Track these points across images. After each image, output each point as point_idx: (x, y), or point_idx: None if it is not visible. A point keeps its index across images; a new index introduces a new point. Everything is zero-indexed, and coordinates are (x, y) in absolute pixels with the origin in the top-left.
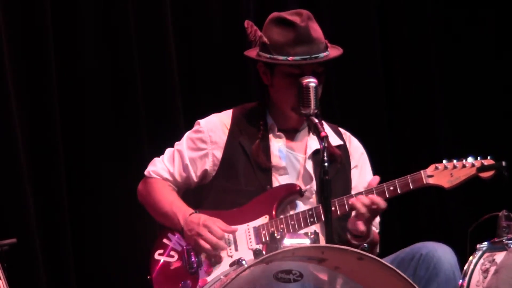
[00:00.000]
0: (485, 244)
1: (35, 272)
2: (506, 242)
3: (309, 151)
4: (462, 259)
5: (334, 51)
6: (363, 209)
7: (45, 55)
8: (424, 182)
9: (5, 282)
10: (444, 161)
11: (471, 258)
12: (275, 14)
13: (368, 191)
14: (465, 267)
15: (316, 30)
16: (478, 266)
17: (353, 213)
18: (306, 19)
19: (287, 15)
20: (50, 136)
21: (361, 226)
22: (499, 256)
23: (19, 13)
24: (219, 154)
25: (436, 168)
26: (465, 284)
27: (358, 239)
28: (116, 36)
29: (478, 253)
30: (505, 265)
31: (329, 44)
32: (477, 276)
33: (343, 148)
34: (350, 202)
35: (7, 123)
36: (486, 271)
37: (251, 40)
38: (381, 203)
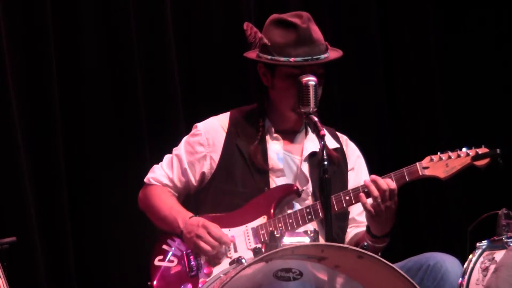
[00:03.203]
0: (484, 242)
1: (35, 271)
2: (505, 240)
3: (305, 153)
4: (462, 258)
5: (334, 53)
6: (376, 192)
7: (46, 56)
8: (420, 173)
9: (5, 281)
10: (439, 153)
11: (470, 256)
12: (275, 15)
13: (364, 186)
14: (465, 266)
15: (316, 32)
16: (478, 265)
17: (364, 214)
18: (306, 20)
19: (288, 16)
20: (50, 136)
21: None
22: (499, 255)
23: (19, 14)
24: (216, 156)
25: (431, 159)
26: (464, 283)
27: (379, 240)
28: (116, 36)
29: (478, 252)
30: (504, 264)
31: (329, 46)
32: (476, 274)
33: (340, 151)
34: (364, 183)
35: (7, 123)
36: (485, 269)
37: (251, 41)
38: (392, 184)
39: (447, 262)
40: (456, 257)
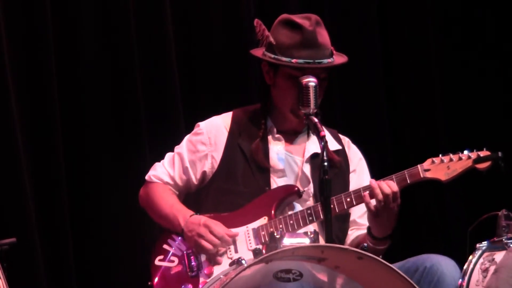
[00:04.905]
0: (484, 243)
1: (35, 272)
2: (505, 241)
3: (307, 154)
4: (462, 259)
5: (338, 59)
6: (380, 196)
7: (45, 56)
8: (421, 176)
9: (5, 282)
10: (441, 155)
11: (470, 257)
12: (284, 16)
13: (365, 188)
14: (465, 267)
15: (323, 36)
16: (478, 266)
17: (366, 215)
18: (314, 23)
19: (296, 18)
20: (50, 136)
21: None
22: (499, 256)
23: (19, 14)
24: (218, 156)
25: (433, 162)
26: (464, 284)
27: (380, 242)
28: (116, 37)
29: (478, 253)
30: (504, 265)
31: (334, 51)
32: (476, 275)
33: (342, 152)
34: (370, 184)
35: (7, 123)
36: (485, 270)
37: (259, 39)
38: (395, 187)
39: (443, 264)
40: (456, 258)
